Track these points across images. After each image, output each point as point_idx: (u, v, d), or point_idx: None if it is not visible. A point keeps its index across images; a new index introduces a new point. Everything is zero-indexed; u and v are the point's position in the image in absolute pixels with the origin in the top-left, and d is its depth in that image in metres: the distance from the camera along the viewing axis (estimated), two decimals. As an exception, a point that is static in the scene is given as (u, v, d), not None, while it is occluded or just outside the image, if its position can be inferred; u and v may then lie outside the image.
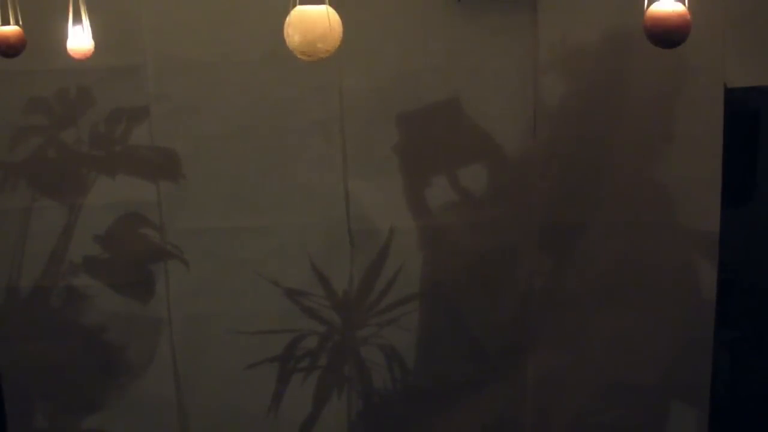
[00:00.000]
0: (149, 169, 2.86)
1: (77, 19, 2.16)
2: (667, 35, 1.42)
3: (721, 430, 2.94)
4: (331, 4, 1.63)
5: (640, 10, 1.47)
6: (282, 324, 2.94)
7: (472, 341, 2.93)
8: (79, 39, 2.16)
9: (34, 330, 2.96)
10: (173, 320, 2.94)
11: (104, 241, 2.91)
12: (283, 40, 1.64)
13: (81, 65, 2.30)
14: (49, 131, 2.84)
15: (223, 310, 2.93)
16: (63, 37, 2.17)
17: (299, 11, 1.62)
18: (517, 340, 2.91)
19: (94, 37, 2.20)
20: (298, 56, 1.64)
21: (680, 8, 1.42)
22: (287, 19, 1.63)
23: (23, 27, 2.14)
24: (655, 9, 1.43)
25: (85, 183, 2.88)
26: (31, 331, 2.96)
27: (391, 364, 2.97)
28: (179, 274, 2.91)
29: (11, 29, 2.11)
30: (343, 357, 2.97)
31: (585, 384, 2.92)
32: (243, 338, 2.94)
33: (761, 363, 2.99)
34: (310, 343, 2.97)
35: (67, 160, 2.87)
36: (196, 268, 2.91)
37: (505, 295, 2.89)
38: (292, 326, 2.95)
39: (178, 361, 2.96)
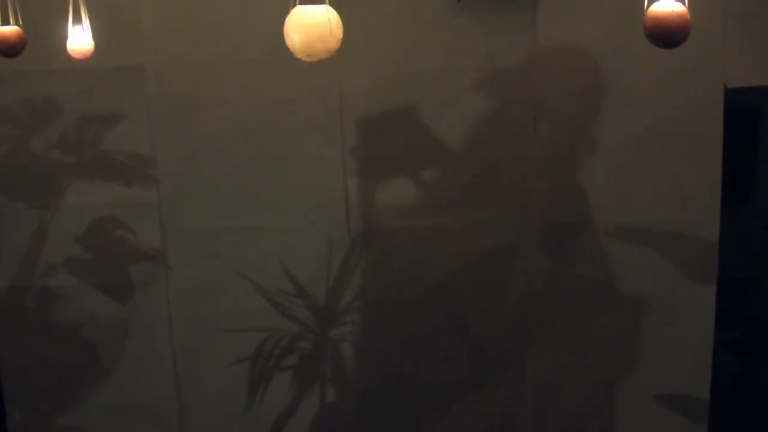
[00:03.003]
0: (149, 169, 2.86)
1: (77, 19, 2.16)
2: (667, 35, 1.42)
3: (721, 431, 2.94)
4: (331, 4, 1.63)
5: (640, 10, 1.47)
6: (282, 323, 2.94)
7: (472, 341, 2.93)
8: (79, 39, 2.16)
9: (33, 330, 2.96)
10: (173, 320, 2.94)
11: (102, 242, 2.91)
12: (283, 40, 1.64)
13: (81, 65, 2.30)
14: (47, 131, 2.84)
15: (222, 309, 2.93)
16: (63, 37, 2.17)
17: (299, 12, 1.61)
18: (517, 340, 2.91)
19: (94, 37, 2.20)
20: (299, 57, 1.64)
21: (680, 8, 1.42)
22: (287, 19, 1.62)
23: (23, 27, 2.14)
24: (655, 9, 1.43)
25: (84, 183, 2.88)
26: (29, 332, 2.96)
27: (392, 364, 2.96)
28: (179, 274, 2.91)
29: (11, 29, 2.11)
30: (343, 357, 2.97)
31: (585, 384, 2.92)
32: (242, 337, 2.94)
33: (761, 363, 2.99)
34: (310, 343, 2.97)
35: (68, 160, 2.87)
36: (196, 268, 2.91)
37: (505, 295, 2.89)
38: (293, 325, 2.95)
39: (178, 360, 2.96)
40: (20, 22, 2.15)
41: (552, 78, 2.76)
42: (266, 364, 2.98)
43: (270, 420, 3.00)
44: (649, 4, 1.45)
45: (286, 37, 1.63)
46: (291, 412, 3.00)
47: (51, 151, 2.86)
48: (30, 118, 2.84)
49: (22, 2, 2.17)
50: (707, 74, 2.69)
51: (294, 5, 1.62)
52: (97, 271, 2.94)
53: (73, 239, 2.90)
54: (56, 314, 2.95)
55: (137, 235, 2.90)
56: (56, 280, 2.92)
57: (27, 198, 2.89)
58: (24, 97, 2.83)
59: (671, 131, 2.75)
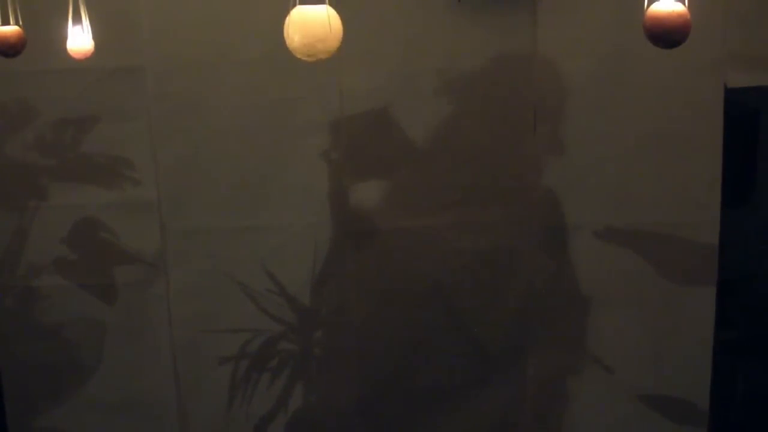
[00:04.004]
0: (148, 169, 2.86)
1: (77, 19, 2.16)
2: (667, 35, 1.42)
3: (720, 431, 2.94)
4: (331, 4, 1.64)
5: (640, 10, 1.47)
6: (282, 323, 2.94)
7: (472, 341, 2.93)
8: (79, 39, 2.16)
9: (31, 331, 2.96)
10: (173, 320, 2.94)
11: (102, 243, 2.91)
12: (283, 40, 1.64)
13: (80, 65, 2.30)
14: (45, 131, 2.84)
15: (222, 309, 2.93)
16: (63, 37, 2.17)
17: (299, 12, 1.62)
18: (518, 340, 2.91)
19: (94, 37, 2.20)
20: (299, 57, 1.64)
21: (680, 8, 1.42)
22: (287, 19, 1.63)
23: (23, 27, 2.14)
24: (655, 9, 1.43)
25: (85, 183, 2.88)
26: (28, 332, 2.97)
27: (393, 364, 2.96)
28: (179, 274, 2.91)
29: (11, 29, 2.11)
30: (345, 357, 2.97)
31: (585, 384, 2.92)
32: (241, 337, 2.94)
33: (761, 363, 2.99)
34: (309, 342, 2.97)
35: (69, 159, 2.87)
36: (196, 268, 2.91)
37: (505, 295, 2.89)
38: (293, 325, 2.95)
39: (178, 360, 2.96)
40: (20, 22, 2.15)
41: (552, 78, 2.76)
42: (266, 364, 2.98)
43: (271, 419, 3.00)
44: (649, 4, 1.45)
45: (286, 37, 1.63)
46: (292, 412, 3.00)
47: (48, 152, 2.86)
48: (26, 118, 2.84)
49: (22, 2, 2.17)
50: (707, 74, 2.69)
51: (294, 5, 1.63)
52: (96, 272, 2.94)
53: (69, 239, 2.90)
54: (55, 315, 2.95)
55: (136, 236, 2.90)
56: (53, 280, 2.93)
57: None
58: (21, 97, 2.83)
59: (671, 131, 2.75)
